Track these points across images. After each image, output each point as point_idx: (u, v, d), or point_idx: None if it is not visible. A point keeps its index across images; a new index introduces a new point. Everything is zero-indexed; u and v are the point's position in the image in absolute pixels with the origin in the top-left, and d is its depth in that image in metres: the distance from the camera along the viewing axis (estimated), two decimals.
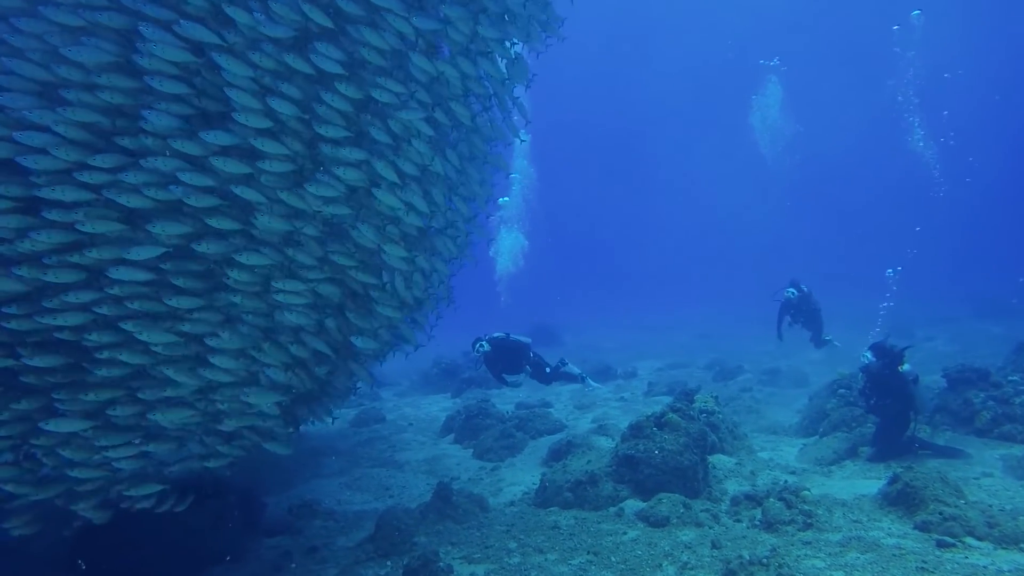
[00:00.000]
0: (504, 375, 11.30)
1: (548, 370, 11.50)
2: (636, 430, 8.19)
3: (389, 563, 6.61)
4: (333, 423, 9.10)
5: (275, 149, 5.15)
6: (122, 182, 4.75)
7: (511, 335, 11.41)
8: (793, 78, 46.74)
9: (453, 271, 7.97)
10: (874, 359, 9.02)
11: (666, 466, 7.67)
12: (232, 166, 5.03)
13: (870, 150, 62.13)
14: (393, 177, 5.77)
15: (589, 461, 8.35)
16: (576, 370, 12.11)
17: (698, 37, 63.02)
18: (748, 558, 5.56)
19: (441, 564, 6.06)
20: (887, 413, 8.86)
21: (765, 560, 5.52)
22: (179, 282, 5.06)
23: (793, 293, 14.56)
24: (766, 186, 65.71)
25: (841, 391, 10.42)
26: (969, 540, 5.95)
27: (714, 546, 6.22)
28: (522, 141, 7.75)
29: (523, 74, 7.07)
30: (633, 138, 73.27)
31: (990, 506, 6.50)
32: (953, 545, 5.87)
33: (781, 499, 6.79)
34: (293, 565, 6.89)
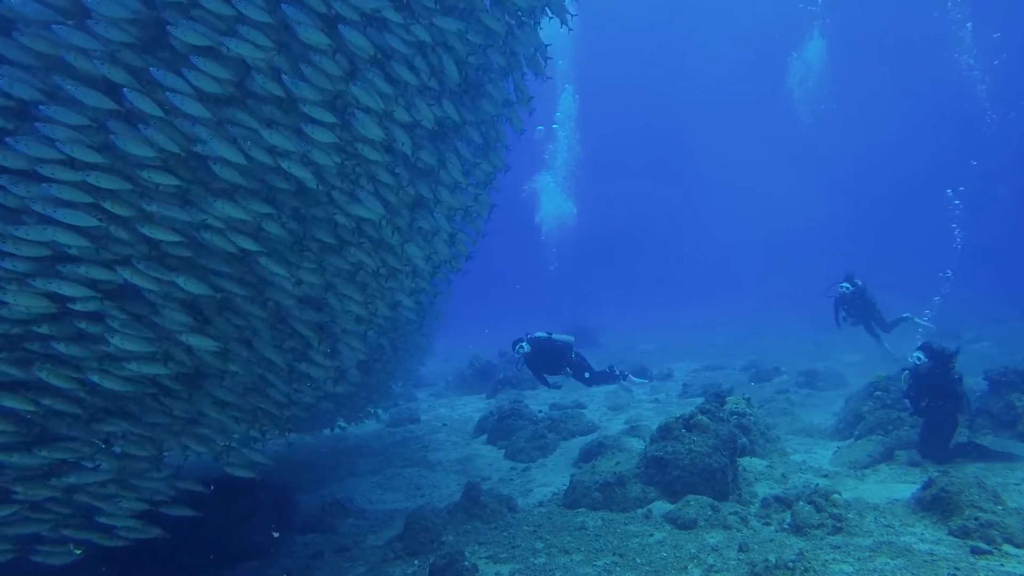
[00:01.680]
0: (545, 375, 11.31)
1: (587, 375, 11.46)
2: (665, 432, 8.15)
3: (416, 562, 6.71)
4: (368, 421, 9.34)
5: (213, 74, 4.77)
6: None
7: (552, 335, 11.42)
8: (836, 28, 44.75)
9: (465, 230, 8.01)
10: (926, 359, 8.80)
11: (694, 468, 7.62)
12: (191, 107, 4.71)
13: (917, 95, 58.12)
14: (377, 105, 5.62)
15: (618, 463, 8.34)
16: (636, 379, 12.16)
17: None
18: (774, 561, 5.51)
19: (466, 563, 6.13)
20: (937, 415, 8.64)
21: (791, 564, 5.47)
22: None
23: (847, 287, 14.33)
24: (808, 168, 64.02)
25: (878, 393, 10.20)
26: (1007, 548, 5.80)
27: (741, 549, 6.16)
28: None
29: (531, 40, 7.11)
30: (673, 132, 72.53)
31: None
32: (989, 552, 5.73)
33: (811, 502, 6.69)
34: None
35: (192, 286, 4.98)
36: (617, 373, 11.96)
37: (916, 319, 14.58)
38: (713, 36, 63.82)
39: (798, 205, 65.49)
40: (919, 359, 8.82)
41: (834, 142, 58.85)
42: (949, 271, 16.56)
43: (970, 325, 21.57)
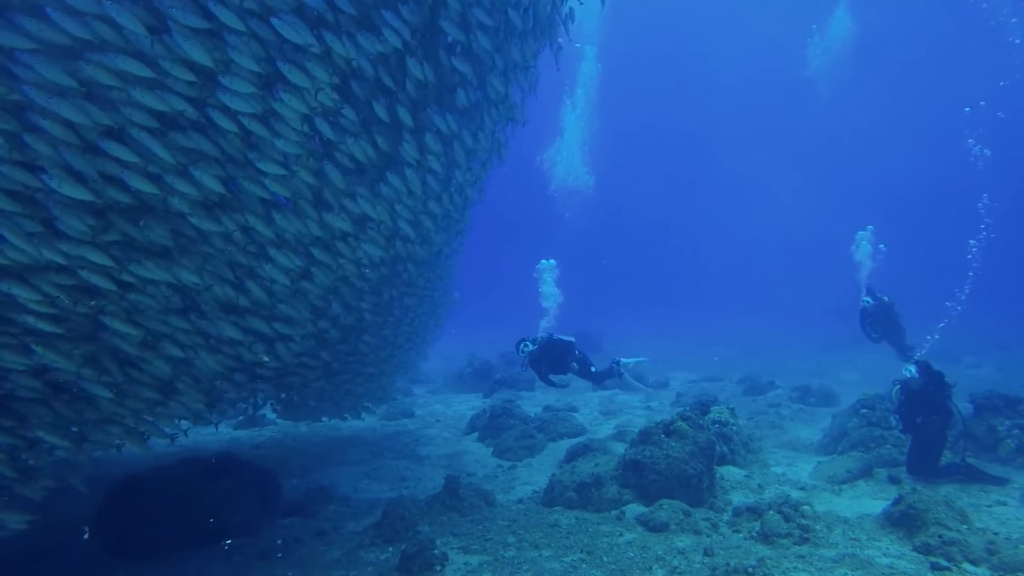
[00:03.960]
0: (550, 375, 11.38)
1: (594, 369, 11.50)
2: (645, 436, 8.28)
3: (391, 548, 6.86)
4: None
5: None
6: None
7: (554, 335, 11.52)
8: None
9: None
10: (919, 375, 8.80)
11: (670, 473, 7.73)
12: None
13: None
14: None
15: (597, 464, 8.47)
16: (631, 361, 12.04)
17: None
18: (734, 566, 5.63)
19: (436, 552, 6.29)
20: (926, 432, 8.64)
21: (751, 569, 5.58)
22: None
23: (868, 301, 14.44)
24: (827, 175, 61.58)
25: (863, 411, 10.26)
26: (966, 566, 5.89)
27: (706, 553, 6.28)
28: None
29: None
30: (692, 141, 72.02)
31: (996, 533, 6.41)
32: (948, 569, 5.82)
33: (780, 512, 6.80)
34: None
35: (72, 191, 4.52)
36: (616, 369, 11.95)
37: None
38: (730, 22, 62.86)
39: (814, 216, 64.56)
40: (910, 372, 8.83)
41: (856, 139, 56.87)
42: (961, 294, 16.38)
43: (973, 350, 21.55)
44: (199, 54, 4.66)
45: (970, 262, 16.78)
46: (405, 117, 6.32)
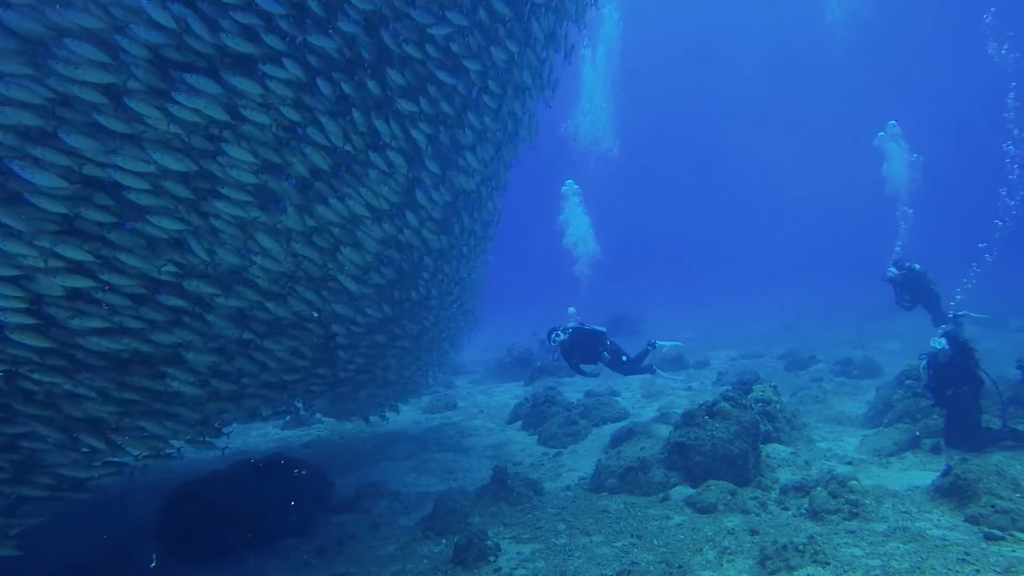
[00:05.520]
0: (581, 364, 11.45)
1: (625, 358, 11.52)
2: (688, 418, 8.33)
3: (444, 541, 7.05)
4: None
5: None
6: None
7: (586, 325, 11.57)
8: None
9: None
10: (949, 347, 8.71)
11: (715, 454, 7.78)
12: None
13: None
14: None
15: (642, 448, 8.55)
16: (666, 344, 12.00)
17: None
18: (784, 543, 5.67)
19: (489, 543, 6.44)
20: (960, 404, 8.56)
21: (801, 547, 5.62)
22: None
23: (892, 271, 14.23)
24: (854, 148, 60.33)
25: (908, 382, 10.16)
26: (1019, 534, 5.86)
27: (755, 533, 6.35)
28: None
29: None
30: (715, 105, 70.88)
31: None
32: (1002, 538, 5.79)
33: (828, 488, 6.82)
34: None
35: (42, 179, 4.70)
36: (648, 360, 11.97)
37: (972, 314, 14.22)
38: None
39: (847, 190, 63.19)
40: (941, 344, 8.73)
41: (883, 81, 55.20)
42: (987, 255, 15.83)
43: (1020, 312, 21.03)
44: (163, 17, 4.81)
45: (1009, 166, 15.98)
46: (375, 89, 6.31)
